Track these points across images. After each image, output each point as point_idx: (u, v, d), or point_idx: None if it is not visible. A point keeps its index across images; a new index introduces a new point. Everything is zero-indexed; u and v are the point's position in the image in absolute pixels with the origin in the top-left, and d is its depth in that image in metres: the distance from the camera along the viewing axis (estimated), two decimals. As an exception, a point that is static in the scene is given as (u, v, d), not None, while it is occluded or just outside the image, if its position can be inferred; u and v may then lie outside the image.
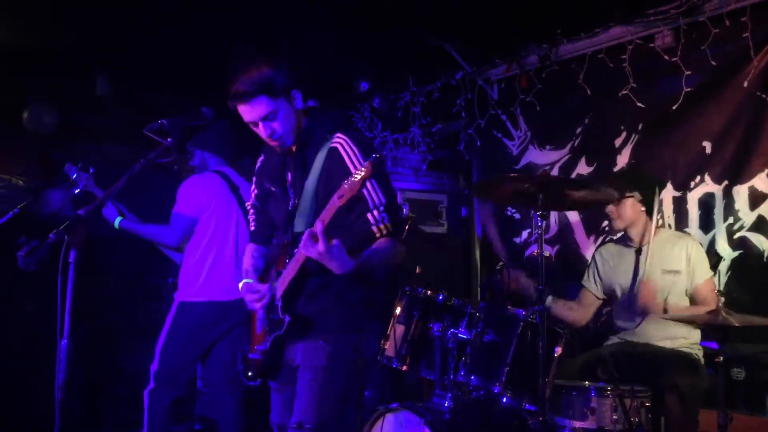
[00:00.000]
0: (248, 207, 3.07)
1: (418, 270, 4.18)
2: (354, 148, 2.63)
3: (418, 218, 6.11)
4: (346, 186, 2.40)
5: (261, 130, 2.66)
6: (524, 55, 5.00)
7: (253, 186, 3.00)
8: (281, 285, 2.68)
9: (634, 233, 3.87)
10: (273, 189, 2.83)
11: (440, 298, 3.50)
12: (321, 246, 2.39)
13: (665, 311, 3.68)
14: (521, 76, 5.05)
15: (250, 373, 2.87)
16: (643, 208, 3.85)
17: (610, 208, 3.83)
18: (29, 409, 4.75)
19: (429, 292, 3.54)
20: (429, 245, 5.61)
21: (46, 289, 2.66)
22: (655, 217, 3.81)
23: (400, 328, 3.54)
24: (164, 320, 4.09)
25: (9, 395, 4.85)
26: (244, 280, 2.85)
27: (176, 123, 2.82)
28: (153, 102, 5.57)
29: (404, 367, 3.47)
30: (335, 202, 2.42)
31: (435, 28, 4.82)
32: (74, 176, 4.26)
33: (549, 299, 3.92)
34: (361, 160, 2.58)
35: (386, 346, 3.56)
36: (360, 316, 2.74)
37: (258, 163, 2.98)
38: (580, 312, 4.02)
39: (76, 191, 4.27)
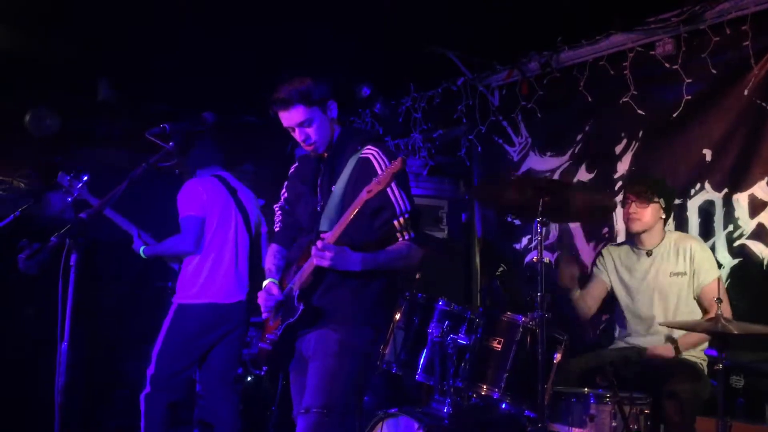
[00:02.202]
0: (276, 209, 3.20)
1: (418, 275, 4.19)
2: (385, 158, 2.83)
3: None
4: (375, 180, 2.61)
5: (297, 135, 2.88)
6: (525, 61, 5.01)
7: (284, 189, 3.17)
8: (299, 278, 2.83)
9: (647, 237, 3.85)
10: (303, 188, 3.02)
11: (440, 303, 3.50)
12: (327, 261, 2.65)
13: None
14: (522, 83, 5.06)
15: (256, 362, 3.01)
16: (663, 216, 3.84)
17: (633, 208, 3.78)
18: (29, 412, 4.75)
19: (429, 297, 3.54)
20: (429, 251, 5.61)
21: (46, 293, 2.67)
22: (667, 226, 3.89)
23: (399, 334, 3.54)
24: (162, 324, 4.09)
25: (9, 398, 4.85)
26: (269, 280, 2.99)
27: (178, 127, 2.84)
28: (154, 107, 5.59)
29: (403, 373, 3.48)
30: (363, 196, 2.62)
31: (436, 35, 4.84)
32: (67, 185, 4.27)
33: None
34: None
35: (386, 351, 3.56)
36: (373, 312, 2.89)
37: (292, 169, 3.18)
38: (590, 300, 3.95)
39: (70, 199, 4.28)
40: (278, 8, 4.31)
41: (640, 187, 3.83)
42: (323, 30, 4.65)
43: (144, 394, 3.96)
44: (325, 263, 2.67)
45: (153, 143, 2.85)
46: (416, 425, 3.20)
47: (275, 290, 2.91)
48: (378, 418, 3.42)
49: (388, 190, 2.77)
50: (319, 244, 2.65)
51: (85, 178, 4.27)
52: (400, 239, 2.81)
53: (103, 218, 4.15)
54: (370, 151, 2.85)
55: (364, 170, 2.81)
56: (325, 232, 2.77)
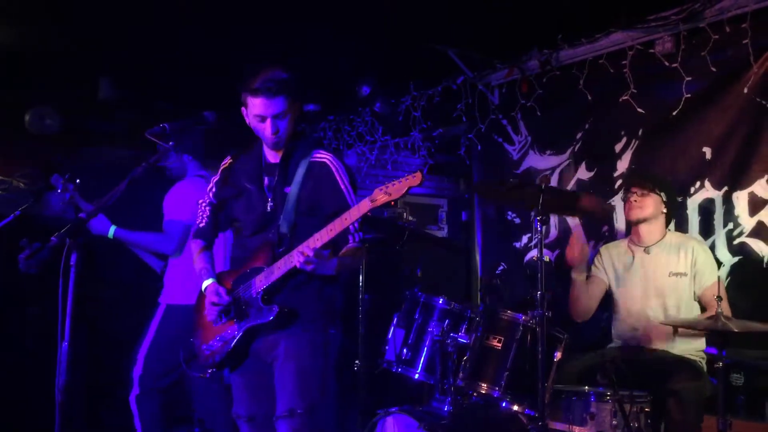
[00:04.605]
0: (201, 204, 3.14)
1: (418, 274, 4.20)
2: (341, 167, 2.94)
3: (419, 222, 6.12)
4: (382, 192, 2.53)
5: (267, 125, 2.83)
6: (525, 59, 5.01)
7: (212, 185, 3.13)
8: (265, 279, 2.84)
9: (645, 231, 3.86)
10: (249, 187, 2.99)
11: (440, 302, 3.51)
12: (312, 266, 2.67)
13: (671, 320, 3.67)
14: (522, 81, 5.06)
15: (202, 365, 3.00)
16: (664, 211, 3.86)
17: (635, 196, 3.81)
18: (29, 411, 4.75)
19: (429, 296, 3.55)
20: (429, 249, 5.61)
21: (47, 292, 2.67)
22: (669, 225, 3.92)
23: (400, 332, 3.55)
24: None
25: (9, 397, 4.85)
26: (211, 280, 2.99)
27: (178, 126, 2.84)
28: (155, 106, 5.59)
29: (404, 371, 3.48)
30: (366, 205, 2.57)
31: (436, 33, 4.84)
32: (61, 187, 4.25)
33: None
34: (348, 180, 2.90)
35: (386, 350, 3.57)
36: (331, 310, 2.98)
37: (225, 164, 3.12)
38: (588, 298, 3.94)
39: (68, 196, 4.26)
40: (278, 8, 4.31)
41: (644, 177, 3.89)
42: (323, 29, 4.65)
43: (134, 395, 3.95)
44: (309, 268, 2.69)
45: (154, 142, 2.86)
46: (417, 424, 3.20)
47: (222, 292, 2.92)
48: (378, 416, 3.43)
49: (344, 189, 2.87)
50: (308, 252, 2.64)
51: (78, 181, 4.24)
52: (351, 241, 2.87)
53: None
54: (324, 156, 2.93)
55: (322, 175, 2.89)
56: (285, 235, 2.85)
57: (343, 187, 2.89)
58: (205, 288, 2.99)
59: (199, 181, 4.18)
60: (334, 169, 2.91)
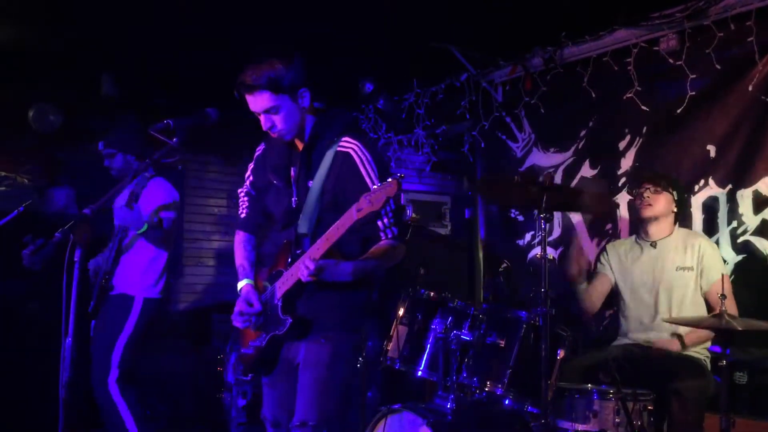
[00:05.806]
0: (240, 193, 3.04)
1: (421, 271, 4.19)
2: (369, 157, 2.67)
3: (422, 220, 6.12)
4: (366, 200, 2.36)
5: (262, 121, 2.69)
6: (529, 57, 5.00)
7: (249, 173, 2.97)
8: (283, 285, 2.69)
9: (654, 229, 3.85)
10: (275, 182, 2.82)
11: (443, 299, 3.50)
12: (314, 276, 2.49)
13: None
14: (526, 79, 5.05)
15: (242, 367, 2.91)
16: (674, 210, 3.85)
17: (647, 194, 3.80)
18: (33, 407, 4.76)
19: (432, 293, 3.54)
20: (432, 247, 5.61)
21: (50, 288, 2.67)
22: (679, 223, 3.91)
23: (402, 329, 3.54)
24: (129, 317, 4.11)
25: (13, 393, 4.86)
26: (245, 281, 2.83)
27: (182, 123, 2.82)
28: (158, 102, 5.60)
29: (407, 368, 3.48)
30: (352, 215, 2.39)
31: (440, 30, 4.83)
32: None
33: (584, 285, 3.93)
34: (376, 172, 2.64)
35: (389, 347, 3.57)
36: (358, 315, 2.78)
37: (258, 152, 2.97)
38: (594, 297, 3.95)
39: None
40: (278, 8, 4.30)
41: (657, 175, 3.88)
42: (326, 26, 4.64)
43: (113, 379, 3.98)
44: (313, 279, 2.51)
45: (156, 139, 2.85)
46: (420, 421, 3.20)
47: (254, 299, 2.75)
48: (381, 414, 3.42)
49: (369, 184, 2.62)
50: (309, 264, 2.47)
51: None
52: (383, 238, 2.64)
53: (108, 213, 4.16)
54: (350, 145, 2.68)
55: (345, 167, 2.66)
56: (305, 234, 2.67)
57: (368, 180, 2.62)
58: (240, 289, 2.82)
59: (162, 179, 4.24)
60: (358, 160, 2.65)
